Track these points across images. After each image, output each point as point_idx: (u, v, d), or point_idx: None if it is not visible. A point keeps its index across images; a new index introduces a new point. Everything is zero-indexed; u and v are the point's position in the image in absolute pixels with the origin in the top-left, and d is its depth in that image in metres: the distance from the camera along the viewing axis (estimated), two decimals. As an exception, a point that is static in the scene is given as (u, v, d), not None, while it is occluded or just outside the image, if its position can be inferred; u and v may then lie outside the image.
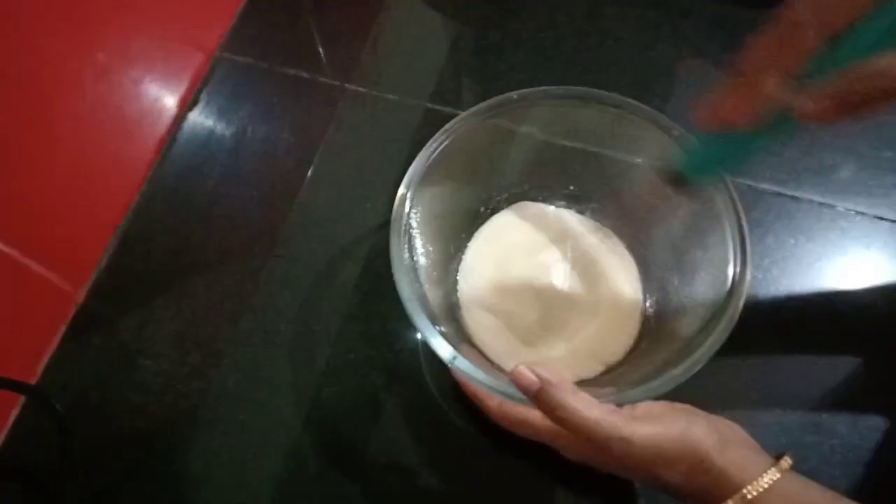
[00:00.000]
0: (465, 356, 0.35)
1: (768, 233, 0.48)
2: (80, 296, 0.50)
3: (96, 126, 0.50)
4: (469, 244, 0.47)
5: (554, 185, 0.48)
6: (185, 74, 0.57)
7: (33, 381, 0.47)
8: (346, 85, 0.58)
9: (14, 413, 0.46)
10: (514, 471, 0.42)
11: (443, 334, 0.35)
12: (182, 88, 0.57)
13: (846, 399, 0.43)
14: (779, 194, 0.50)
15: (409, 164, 0.40)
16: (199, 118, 0.57)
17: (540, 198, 0.48)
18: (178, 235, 0.52)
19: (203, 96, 0.58)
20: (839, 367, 0.44)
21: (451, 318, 0.44)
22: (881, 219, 0.48)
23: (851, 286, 0.46)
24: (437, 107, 0.56)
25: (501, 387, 0.34)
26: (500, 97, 0.41)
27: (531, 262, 0.46)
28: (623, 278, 0.45)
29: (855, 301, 0.46)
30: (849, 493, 0.40)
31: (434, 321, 0.36)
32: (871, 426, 0.42)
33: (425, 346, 0.46)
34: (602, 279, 0.45)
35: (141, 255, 0.52)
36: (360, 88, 0.57)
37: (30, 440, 0.46)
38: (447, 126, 0.40)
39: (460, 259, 0.47)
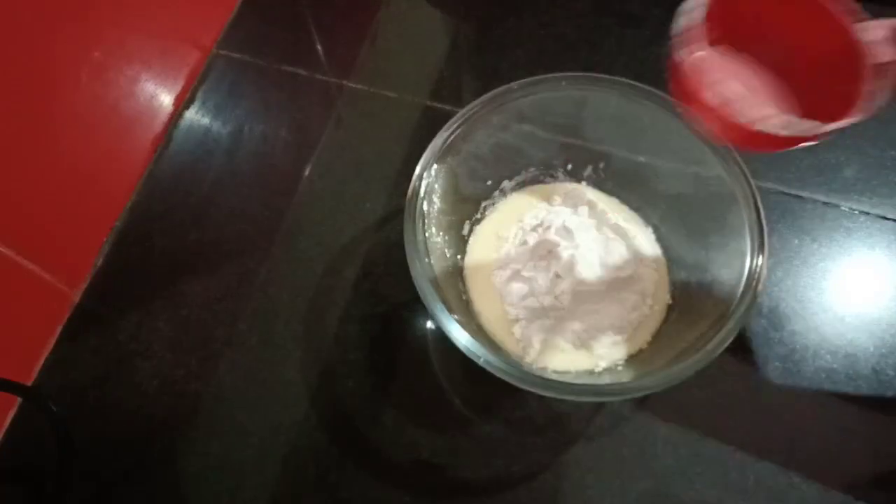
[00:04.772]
0: None
1: (772, 233, 0.47)
2: (77, 296, 0.50)
3: (92, 124, 0.49)
4: (479, 227, 0.47)
5: (565, 168, 0.48)
6: (181, 72, 0.57)
7: (30, 382, 0.47)
8: (345, 83, 0.57)
9: (11, 414, 0.46)
10: (529, 465, 0.42)
11: (458, 322, 0.36)
12: (178, 86, 0.56)
13: (849, 400, 0.43)
14: (783, 193, 0.49)
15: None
16: (195, 116, 0.56)
17: (550, 180, 0.48)
18: (175, 235, 0.52)
19: (199, 94, 0.57)
20: (842, 368, 0.44)
21: (463, 306, 0.44)
22: (885, 218, 0.48)
23: (855, 286, 0.46)
24: (436, 104, 0.55)
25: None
26: (516, 83, 0.41)
27: (546, 243, 0.45)
28: (647, 258, 0.45)
29: (858, 301, 0.45)
30: (853, 497, 0.40)
31: (449, 310, 0.36)
32: (874, 427, 0.42)
33: (435, 335, 0.46)
34: (625, 258, 0.44)
35: (137, 254, 0.51)
36: (359, 86, 0.57)
37: (27, 442, 0.46)
38: (462, 111, 0.41)
39: (471, 243, 0.47)
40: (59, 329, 0.49)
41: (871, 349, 0.44)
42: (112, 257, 0.51)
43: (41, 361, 0.48)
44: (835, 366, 0.44)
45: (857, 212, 0.48)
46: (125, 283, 0.50)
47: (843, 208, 0.48)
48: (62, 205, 0.48)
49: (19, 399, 0.46)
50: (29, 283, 0.46)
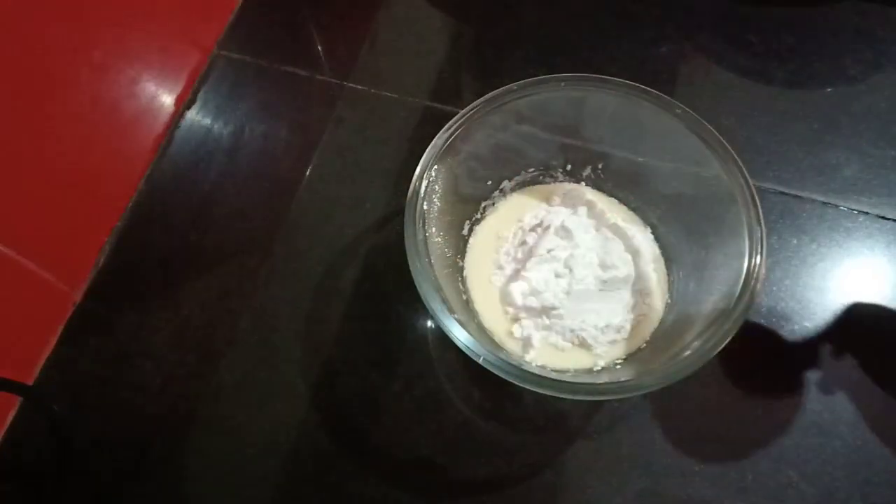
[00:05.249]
0: None
1: (771, 233, 0.48)
2: (78, 296, 0.50)
3: (93, 125, 0.49)
4: (479, 227, 0.47)
5: (564, 168, 0.48)
6: (182, 72, 0.57)
7: (30, 381, 0.47)
8: (345, 83, 0.57)
9: (11, 414, 0.46)
10: (529, 464, 0.42)
11: (458, 322, 0.36)
12: (179, 87, 0.57)
13: (848, 400, 0.43)
14: (782, 193, 0.49)
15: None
16: (196, 117, 0.56)
17: (550, 181, 0.49)
18: (176, 234, 0.52)
19: (201, 95, 0.57)
20: (841, 368, 0.44)
21: (463, 305, 0.44)
22: (885, 218, 0.48)
23: (854, 286, 0.46)
24: (436, 105, 0.55)
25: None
26: (516, 84, 0.41)
27: (546, 243, 0.45)
28: (645, 257, 0.45)
29: (857, 301, 0.46)
30: (852, 497, 0.40)
31: (450, 309, 0.36)
32: (873, 428, 0.42)
33: (435, 334, 0.46)
34: (624, 258, 0.44)
35: (138, 254, 0.51)
36: (359, 86, 0.57)
37: (27, 441, 0.46)
38: (462, 112, 0.41)
39: (471, 243, 0.47)
40: (59, 329, 0.49)
41: (870, 349, 0.44)
42: (113, 257, 0.51)
43: (42, 361, 0.48)
44: (834, 366, 0.44)
45: (856, 212, 0.48)
46: (126, 282, 0.50)
47: (842, 208, 0.48)
48: (63, 205, 0.48)
49: (20, 399, 0.46)
50: (30, 283, 0.46)
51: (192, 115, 0.57)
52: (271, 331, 0.48)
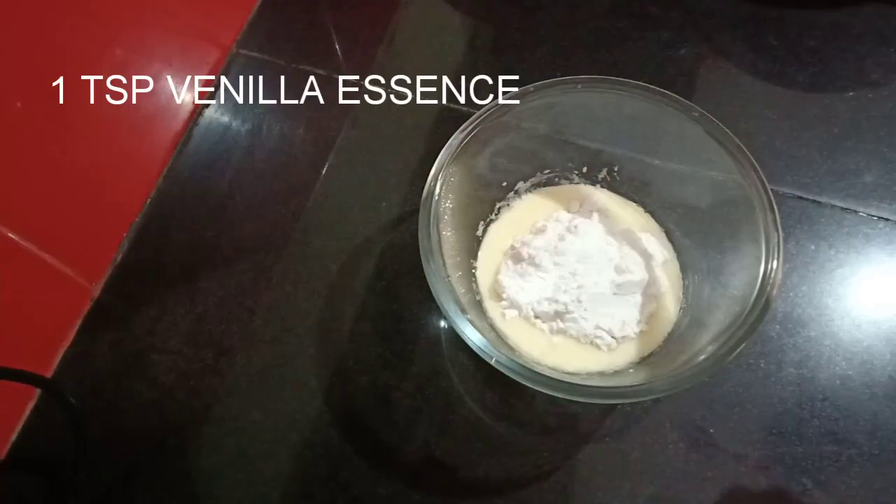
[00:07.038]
0: None
1: (789, 238, 0.47)
2: (96, 291, 0.50)
3: (113, 121, 0.50)
4: (493, 228, 0.47)
5: (580, 170, 0.48)
6: (201, 70, 0.57)
7: (49, 374, 0.48)
8: (363, 82, 0.57)
9: (30, 406, 0.47)
10: (539, 466, 0.42)
11: (470, 322, 0.36)
12: (199, 84, 0.57)
13: (864, 407, 0.42)
14: (800, 198, 0.49)
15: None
16: (214, 114, 0.57)
17: (565, 183, 0.48)
18: (193, 231, 0.52)
19: (219, 93, 0.58)
20: (858, 374, 0.43)
21: (476, 306, 0.44)
22: (905, 225, 0.47)
23: (873, 293, 0.45)
24: (453, 105, 0.55)
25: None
26: (533, 85, 0.41)
27: (560, 245, 0.45)
28: (660, 261, 0.44)
29: (876, 307, 0.45)
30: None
31: (462, 310, 0.36)
32: (890, 436, 0.41)
33: (448, 334, 0.46)
34: (639, 261, 0.44)
35: (156, 250, 0.52)
36: (377, 87, 0.57)
37: (45, 433, 0.46)
38: (478, 112, 0.41)
39: (485, 244, 0.47)
40: (78, 323, 0.49)
41: (888, 356, 0.44)
42: (131, 253, 0.52)
43: (60, 354, 0.48)
44: (850, 372, 0.43)
45: (875, 217, 0.48)
46: (143, 278, 0.51)
47: (861, 214, 0.48)
48: (83, 201, 0.49)
49: (38, 391, 0.47)
50: (49, 278, 0.47)
51: (211, 112, 0.57)
52: (285, 328, 0.48)
